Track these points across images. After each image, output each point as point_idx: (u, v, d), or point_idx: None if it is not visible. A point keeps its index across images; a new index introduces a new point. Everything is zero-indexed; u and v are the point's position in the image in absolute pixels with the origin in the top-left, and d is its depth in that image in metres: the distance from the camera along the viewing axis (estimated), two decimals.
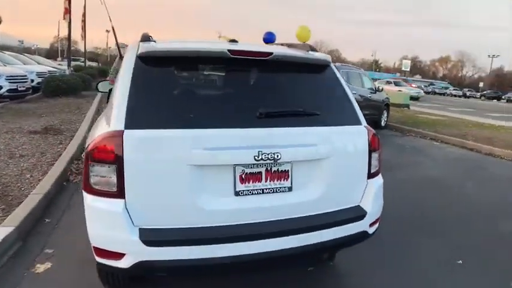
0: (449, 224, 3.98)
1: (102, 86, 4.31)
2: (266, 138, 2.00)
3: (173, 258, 1.84)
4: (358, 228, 2.24)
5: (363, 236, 2.28)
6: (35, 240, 3.11)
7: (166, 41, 2.30)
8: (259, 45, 2.41)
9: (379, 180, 2.42)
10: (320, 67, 2.42)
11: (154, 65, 2.05)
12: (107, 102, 3.08)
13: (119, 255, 1.85)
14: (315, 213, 2.12)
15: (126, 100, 1.91)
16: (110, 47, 54.32)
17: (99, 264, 1.96)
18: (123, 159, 1.81)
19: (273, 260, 2.00)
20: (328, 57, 2.45)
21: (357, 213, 2.24)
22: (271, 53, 2.14)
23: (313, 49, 2.58)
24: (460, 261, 3.13)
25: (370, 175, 2.35)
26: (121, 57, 3.21)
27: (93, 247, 1.91)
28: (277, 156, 1.97)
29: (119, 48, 3.06)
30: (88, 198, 1.89)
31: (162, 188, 1.87)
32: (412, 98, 24.52)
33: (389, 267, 2.98)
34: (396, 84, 27.08)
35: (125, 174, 1.82)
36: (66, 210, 3.73)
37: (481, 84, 59.29)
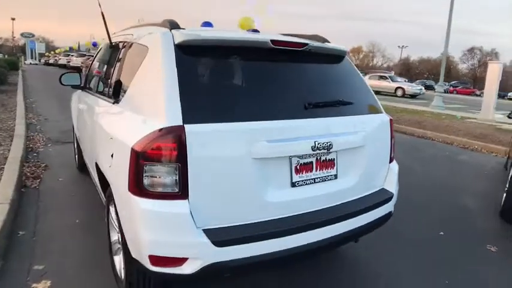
0: (413, 199, 4.40)
1: (69, 79, 3.84)
2: (319, 128, 2.00)
3: (242, 256, 1.74)
4: (387, 209, 2.37)
5: (389, 216, 2.42)
6: (16, 257, 2.68)
7: (196, 29, 2.14)
8: (292, 37, 2.37)
9: (395, 164, 2.58)
10: (340, 58, 2.46)
11: (197, 54, 1.90)
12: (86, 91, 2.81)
13: (180, 261, 1.70)
14: (356, 198, 2.20)
15: (178, 92, 1.73)
16: (14, 37, 48.04)
17: (152, 273, 1.76)
18: (186, 157, 1.65)
19: (329, 245, 2.03)
20: (346, 48, 2.51)
21: (387, 195, 2.37)
22: (306, 44, 2.14)
23: (326, 40, 2.61)
24: (442, 233, 3.51)
25: (391, 159, 2.50)
26: (111, 46, 2.88)
27: (149, 256, 1.71)
28: (330, 145, 1.99)
29: (109, 35, 2.71)
30: (141, 202, 1.69)
31: (227, 185, 1.76)
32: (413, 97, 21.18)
33: None
34: (393, 80, 22.84)
35: (188, 172, 1.66)
36: (37, 220, 3.28)
37: (392, 73, 65.49)
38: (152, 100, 1.84)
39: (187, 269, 1.70)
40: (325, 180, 2.06)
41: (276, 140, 1.85)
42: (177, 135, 1.65)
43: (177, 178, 1.66)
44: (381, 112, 2.45)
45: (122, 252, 2.27)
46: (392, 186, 2.44)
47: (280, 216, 1.89)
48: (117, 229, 2.29)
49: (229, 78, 1.96)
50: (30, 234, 3.02)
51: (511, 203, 3.68)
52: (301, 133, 1.94)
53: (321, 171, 2.04)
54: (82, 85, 3.87)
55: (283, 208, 1.91)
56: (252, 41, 2.05)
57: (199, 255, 1.70)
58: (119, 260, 2.38)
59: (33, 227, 3.14)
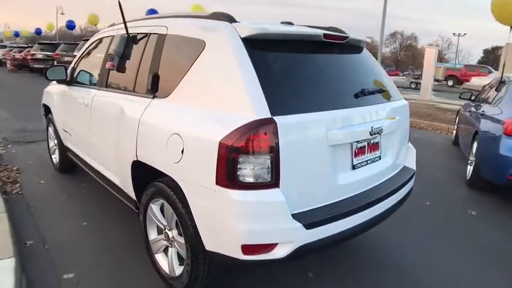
0: None
1: (54, 73, 3.51)
2: (373, 114, 2.18)
3: (326, 235, 1.87)
4: (411, 185, 2.64)
5: (411, 191, 2.69)
6: (37, 269, 2.48)
7: (251, 22, 2.13)
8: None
9: (410, 143, 2.86)
10: (362, 48, 2.64)
11: (262, 48, 1.93)
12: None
13: (271, 247, 1.77)
14: (392, 176, 2.43)
15: (259, 85, 1.76)
16: None
17: (241, 262, 1.79)
18: (278, 147, 1.71)
19: (380, 220, 2.24)
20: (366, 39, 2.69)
21: (412, 172, 2.63)
22: (347, 37, 2.28)
23: (343, 32, 2.77)
24: (428, 203, 3.95)
25: (409, 139, 2.77)
26: (131, 39, 2.68)
27: (242, 245, 1.74)
28: (381, 130, 2.18)
29: (126, 27, 2.51)
30: (234, 194, 1.71)
31: (308, 171, 1.87)
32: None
33: None
34: None
35: (280, 161, 1.72)
36: (39, 227, 3.02)
37: None
38: (230, 94, 1.84)
39: (278, 253, 1.77)
40: (373, 161, 2.26)
41: (345, 127, 2.00)
42: (269, 127, 1.70)
43: (270, 168, 1.72)
44: (401, 97, 2.69)
45: (172, 249, 2.25)
46: (413, 164, 2.71)
47: (348, 196, 2.06)
48: (165, 226, 2.26)
49: (295, 70, 2.01)
50: (40, 243, 2.78)
51: (477, 174, 4.24)
52: (360, 120, 2.11)
53: (370, 153, 2.23)
54: (68, 79, 3.58)
55: (349, 189, 2.08)
56: (309, 34, 2.13)
57: (292, 239, 1.78)
58: (165, 258, 2.35)
59: (39, 235, 2.89)
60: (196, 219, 1.92)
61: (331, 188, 1.99)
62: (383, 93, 2.43)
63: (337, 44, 2.28)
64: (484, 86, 5.91)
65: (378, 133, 2.19)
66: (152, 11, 12.53)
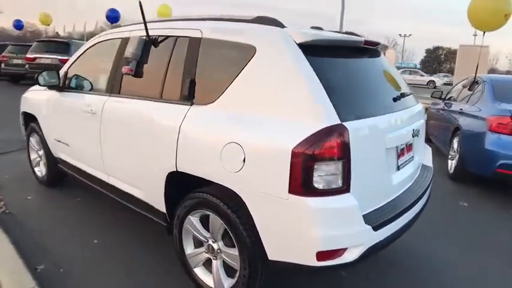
0: None
1: (46, 78, 3.22)
2: (411, 118, 2.29)
3: (387, 234, 1.92)
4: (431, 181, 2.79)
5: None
6: None
7: (300, 28, 2.11)
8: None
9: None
10: (380, 53, 2.74)
11: (316, 53, 1.91)
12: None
13: (343, 251, 1.78)
14: (420, 174, 2.56)
15: (324, 92, 1.76)
16: None
17: (313, 268, 1.78)
18: (350, 153, 1.72)
19: (418, 216, 2.33)
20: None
21: (431, 170, 2.78)
22: (379, 43, 2.36)
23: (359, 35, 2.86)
24: None
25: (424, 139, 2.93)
26: (149, 41, 2.52)
27: (317, 252, 1.73)
28: (418, 132, 2.28)
29: (146, 29, 2.35)
30: (308, 202, 1.69)
31: (371, 173, 1.92)
32: None
33: None
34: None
35: (351, 167, 1.73)
36: (43, 249, 2.74)
37: None
38: (293, 101, 1.80)
39: (349, 257, 1.78)
40: (410, 161, 2.36)
41: (396, 130, 2.10)
42: (342, 133, 1.70)
43: (342, 173, 1.72)
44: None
45: (217, 261, 2.17)
46: (430, 162, 2.86)
47: (396, 196, 2.15)
48: (207, 238, 2.18)
49: (346, 75, 2.03)
50: (51, 267, 2.53)
51: (461, 168, 4.57)
52: (404, 123, 2.21)
53: (408, 154, 2.33)
54: (61, 85, 3.30)
55: (397, 189, 2.17)
56: (353, 40, 2.17)
57: (362, 241, 1.80)
58: (205, 271, 2.27)
59: (47, 257, 2.63)
60: (260, 228, 1.87)
61: (386, 188, 2.07)
62: (410, 95, 2.54)
63: (369, 49, 2.35)
64: (454, 85, 6.38)
65: (416, 135, 2.30)
66: (113, 11, 11.90)
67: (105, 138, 2.73)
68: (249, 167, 1.84)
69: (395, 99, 2.24)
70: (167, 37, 2.45)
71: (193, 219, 2.22)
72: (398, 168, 2.19)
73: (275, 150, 1.76)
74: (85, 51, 3.20)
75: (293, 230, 1.77)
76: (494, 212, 3.90)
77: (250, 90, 1.96)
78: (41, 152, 3.86)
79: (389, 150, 2.07)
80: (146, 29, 2.41)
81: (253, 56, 1.96)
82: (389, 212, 1.98)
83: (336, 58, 2.06)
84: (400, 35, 51.04)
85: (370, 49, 2.37)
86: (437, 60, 62.90)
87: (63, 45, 11.59)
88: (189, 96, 2.19)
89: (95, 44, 3.11)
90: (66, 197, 3.71)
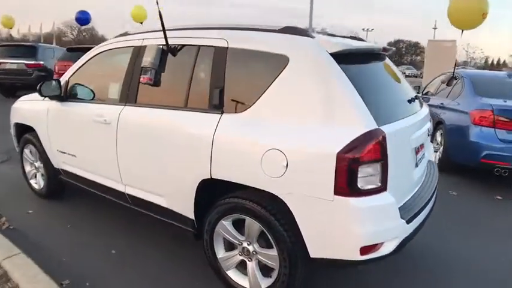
0: None
1: (49, 89, 3.12)
2: (424, 119, 2.49)
3: (413, 228, 2.09)
4: None
5: None
6: None
7: (329, 37, 2.23)
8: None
9: None
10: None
11: (346, 61, 2.03)
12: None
13: (380, 245, 1.93)
14: (429, 170, 2.76)
15: (361, 99, 1.91)
16: None
17: (356, 263, 1.94)
18: (387, 154, 1.87)
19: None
20: None
21: (435, 164, 2.99)
22: (391, 48, 2.54)
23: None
24: None
25: None
26: (168, 49, 2.52)
27: (361, 248, 1.86)
28: (430, 131, 2.48)
29: (166, 37, 2.34)
30: (355, 201, 1.83)
31: (400, 171, 2.08)
32: None
33: None
34: None
35: (388, 167, 1.88)
36: (62, 263, 2.69)
37: None
38: (332, 108, 1.91)
39: (386, 249, 1.95)
40: (423, 158, 2.55)
41: (417, 131, 2.30)
42: (380, 137, 1.85)
43: (381, 174, 1.87)
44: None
45: (253, 263, 2.25)
46: (432, 157, 3.07)
47: (416, 190, 2.34)
48: (241, 241, 2.25)
49: (371, 81, 2.16)
50: (77, 281, 2.48)
51: (446, 159, 4.90)
52: (421, 124, 2.41)
53: (421, 152, 2.50)
54: (62, 95, 3.21)
55: (417, 183, 2.37)
56: (375, 47, 2.37)
57: (397, 234, 1.97)
58: (238, 273, 2.34)
59: (69, 272, 2.57)
60: (302, 228, 1.97)
61: (411, 184, 2.25)
62: (417, 97, 2.73)
63: (382, 54, 2.51)
64: (431, 81, 6.76)
65: (428, 134, 2.50)
66: (83, 13, 11.41)
67: (122, 147, 2.70)
68: (292, 172, 1.93)
69: (409, 102, 2.42)
70: (188, 46, 2.47)
71: (226, 224, 2.28)
72: (416, 165, 2.36)
73: (319, 155, 1.87)
74: (88, 60, 3.13)
75: (337, 229, 1.89)
76: (482, 199, 4.22)
77: (285, 98, 2.05)
78: (38, 164, 3.73)
79: (413, 149, 2.24)
80: (166, 37, 2.41)
81: (286, 65, 2.05)
82: (415, 205, 2.16)
83: (359, 65, 2.19)
84: (363, 29, 52.52)
85: (382, 54, 2.52)
86: (399, 53, 65.57)
87: (30, 49, 11.01)
88: (218, 105, 2.24)
89: (100, 52, 3.04)
90: (68, 209, 3.62)
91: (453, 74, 5.30)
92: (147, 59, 2.51)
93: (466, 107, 4.61)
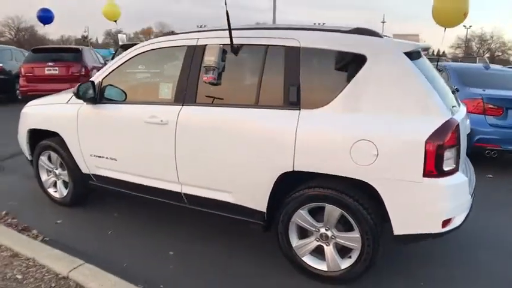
0: None
1: (85, 91, 3.00)
2: (465, 109, 2.79)
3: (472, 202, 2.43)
4: None
5: None
6: None
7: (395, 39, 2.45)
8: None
9: None
10: None
11: (412, 59, 2.27)
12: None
13: (453, 218, 2.20)
14: None
15: (435, 92, 2.19)
16: None
17: (437, 235, 2.19)
18: (460, 139, 2.18)
19: None
20: None
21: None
22: (429, 46, 2.82)
23: None
24: None
25: None
26: (233, 49, 2.55)
27: (443, 221, 2.13)
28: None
29: (231, 37, 2.36)
30: (441, 181, 2.09)
31: (462, 154, 2.39)
32: None
33: None
34: None
35: (460, 150, 2.17)
36: (128, 271, 2.64)
37: None
38: (412, 101, 2.15)
39: (457, 222, 2.24)
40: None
41: (466, 120, 2.67)
42: (456, 125, 2.14)
43: (455, 156, 2.16)
44: None
45: (330, 246, 2.39)
46: None
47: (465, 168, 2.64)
48: (318, 228, 2.39)
49: (429, 76, 2.38)
50: (152, 286, 2.45)
51: None
52: (466, 113, 2.70)
53: None
54: (96, 97, 3.10)
55: (466, 164, 2.69)
56: (428, 46, 2.70)
57: (466, 208, 2.30)
58: (312, 258, 2.48)
59: (138, 276, 2.50)
60: (390, 209, 2.17)
61: (466, 165, 2.57)
62: None
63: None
64: None
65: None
66: (46, 11, 10.64)
67: (182, 147, 2.69)
68: (382, 159, 2.12)
69: (453, 93, 2.70)
70: (253, 45, 2.54)
71: (303, 212, 2.40)
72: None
73: (408, 143, 2.09)
74: (127, 60, 3.03)
75: (424, 206, 2.13)
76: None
77: (365, 93, 2.23)
78: (59, 171, 3.56)
79: (466, 135, 2.54)
80: (231, 37, 2.46)
81: (364, 63, 2.23)
82: (471, 183, 2.45)
83: (417, 61, 2.40)
84: (314, 23, 53.99)
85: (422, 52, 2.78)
86: None
87: None
88: (296, 101, 2.35)
89: (142, 53, 2.98)
90: (100, 214, 3.50)
91: (437, 66, 5.80)
92: (211, 59, 2.53)
93: (457, 96, 5.09)
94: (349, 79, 2.26)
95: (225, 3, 2.41)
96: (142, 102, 2.95)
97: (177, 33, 2.90)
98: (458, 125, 2.16)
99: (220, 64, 2.55)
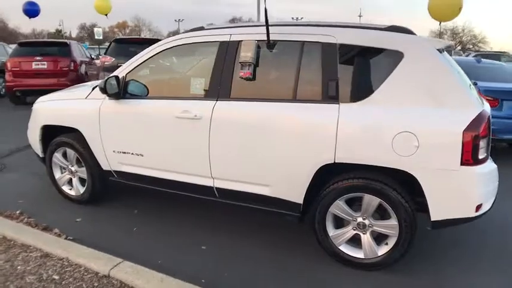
0: None
1: (111, 86, 2.94)
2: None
3: None
4: None
5: None
6: None
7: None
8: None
9: None
10: None
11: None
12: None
13: (483, 204, 2.35)
14: None
15: (468, 87, 2.34)
16: None
17: (470, 219, 2.34)
18: (490, 130, 2.32)
19: None
20: None
21: None
22: (451, 44, 2.96)
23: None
24: None
25: None
26: (269, 45, 2.57)
27: (477, 205, 2.27)
28: None
29: (268, 34, 2.37)
30: (477, 169, 2.25)
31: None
32: None
33: None
34: None
35: (490, 140, 2.33)
36: (163, 266, 2.64)
37: None
38: (447, 94, 2.28)
39: (486, 207, 2.39)
40: None
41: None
42: (488, 116, 2.29)
43: (487, 146, 2.32)
44: None
45: (367, 235, 2.50)
46: None
47: None
48: (356, 217, 2.48)
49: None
50: (194, 280, 2.46)
51: None
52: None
53: None
54: (120, 92, 3.04)
55: None
56: (448, 43, 2.82)
57: (495, 194, 2.46)
58: (348, 247, 2.57)
59: (176, 272, 2.52)
60: (429, 196, 2.29)
61: None
62: None
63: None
64: None
65: None
66: (32, 4, 10.12)
67: (217, 141, 2.70)
68: (423, 150, 2.23)
69: (470, 86, 2.83)
70: (288, 42, 2.59)
71: (341, 203, 2.49)
72: None
73: (446, 134, 2.22)
74: (154, 55, 2.98)
75: (460, 192, 2.27)
76: None
77: (403, 88, 2.33)
78: (75, 168, 3.49)
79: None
80: (268, 33, 2.49)
81: (401, 59, 2.33)
82: None
83: (443, 56, 2.52)
84: (292, 18, 54.14)
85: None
86: None
87: None
88: (335, 96, 2.41)
89: (169, 48, 2.92)
90: (117, 212, 3.45)
91: None
92: (247, 54, 2.55)
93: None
94: (387, 74, 2.35)
95: (265, 1, 2.43)
96: (171, 98, 2.92)
97: (207, 29, 2.90)
98: (489, 117, 2.31)
99: (256, 60, 2.58)
